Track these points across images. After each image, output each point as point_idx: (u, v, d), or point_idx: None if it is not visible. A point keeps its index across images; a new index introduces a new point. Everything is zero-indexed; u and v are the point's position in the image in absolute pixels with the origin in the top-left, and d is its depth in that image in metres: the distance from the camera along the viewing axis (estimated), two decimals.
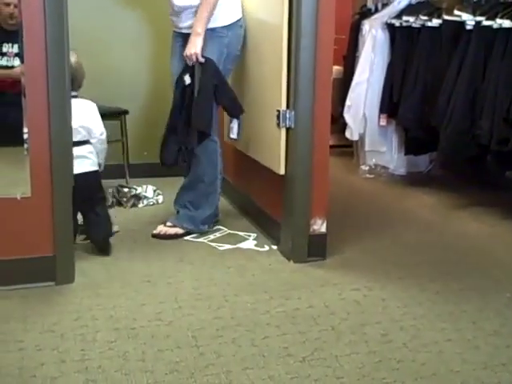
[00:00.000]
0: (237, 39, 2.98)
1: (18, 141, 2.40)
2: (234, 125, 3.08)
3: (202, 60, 2.85)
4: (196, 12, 2.86)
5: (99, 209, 2.81)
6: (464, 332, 2.15)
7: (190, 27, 2.89)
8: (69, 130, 2.40)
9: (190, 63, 2.88)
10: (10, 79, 2.94)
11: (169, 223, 3.08)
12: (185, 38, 2.94)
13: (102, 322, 2.16)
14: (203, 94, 2.87)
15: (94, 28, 3.72)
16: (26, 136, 2.36)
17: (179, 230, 3.04)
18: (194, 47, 2.83)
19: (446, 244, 3.06)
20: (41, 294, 2.36)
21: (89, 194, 2.75)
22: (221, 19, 2.90)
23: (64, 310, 2.24)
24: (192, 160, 3.02)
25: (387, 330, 2.15)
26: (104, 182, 3.73)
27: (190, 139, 2.93)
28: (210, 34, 2.88)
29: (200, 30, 2.84)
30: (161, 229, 3.06)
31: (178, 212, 3.11)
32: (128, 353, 1.96)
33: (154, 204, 3.56)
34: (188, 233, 3.06)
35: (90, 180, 2.76)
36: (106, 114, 3.48)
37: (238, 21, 2.97)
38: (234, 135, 3.10)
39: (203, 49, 2.84)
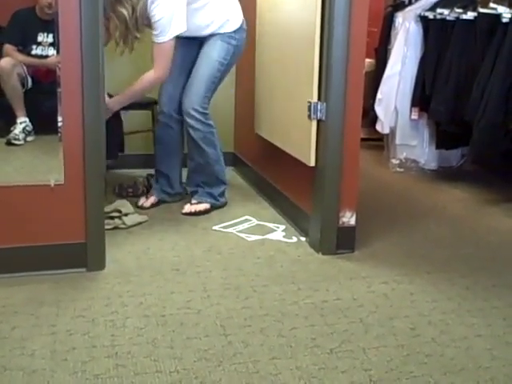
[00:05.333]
0: (243, 41, 3.23)
1: (52, 129, 2.44)
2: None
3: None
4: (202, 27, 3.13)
5: None
6: (494, 328, 2.13)
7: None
8: (102, 118, 2.43)
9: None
10: (44, 68, 2.98)
11: (194, 201, 3.27)
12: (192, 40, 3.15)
13: (131, 309, 2.18)
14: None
15: None
16: (59, 124, 2.40)
17: (207, 205, 3.26)
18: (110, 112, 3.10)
19: (477, 239, 3.03)
20: (72, 279, 2.40)
21: None
22: (230, 25, 3.16)
23: (95, 296, 2.27)
24: (190, 145, 3.25)
25: (415, 324, 2.14)
26: (134, 171, 3.81)
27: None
28: (221, 37, 3.15)
29: (117, 106, 3.16)
30: (189, 207, 3.24)
31: (194, 192, 3.31)
32: (157, 339, 1.98)
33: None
34: (214, 207, 3.28)
35: None
36: (136, 105, 3.52)
37: (242, 23, 3.19)
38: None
39: (214, 49, 3.14)
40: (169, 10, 2.92)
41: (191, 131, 3.18)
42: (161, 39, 2.96)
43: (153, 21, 2.94)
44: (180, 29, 2.97)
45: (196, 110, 3.14)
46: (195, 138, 3.18)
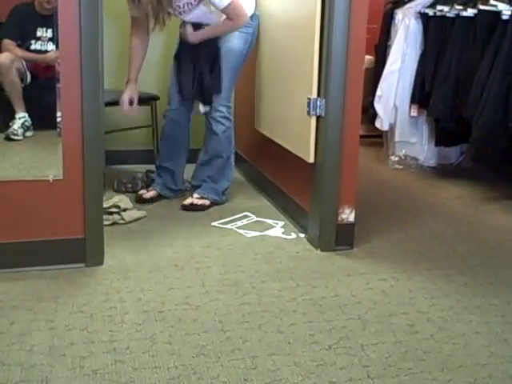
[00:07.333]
0: (257, 27, 3.24)
1: (51, 124, 2.43)
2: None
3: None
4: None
5: None
6: (492, 325, 2.14)
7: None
8: (101, 114, 2.43)
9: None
10: (43, 64, 2.97)
11: (196, 195, 3.27)
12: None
13: (130, 305, 2.19)
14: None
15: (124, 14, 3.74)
16: (58, 120, 2.39)
17: (206, 201, 3.26)
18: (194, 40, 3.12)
19: (475, 236, 3.03)
20: (71, 275, 2.40)
21: None
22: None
23: (93, 292, 2.27)
24: (208, 138, 3.25)
25: (414, 321, 2.14)
26: (133, 166, 3.81)
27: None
28: None
29: (197, 40, 3.10)
30: (190, 201, 3.25)
31: (197, 186, 3.32)
32: (155, 335, 1.98)
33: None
34: (214, 203, 3.27)
35: None
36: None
37: (255, 10, 3.20)
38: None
39: (232, 41, 3.14)
40: None
41: (214, 124, 3.20)
42: (224, 3, 2.95)
43: None
44: None
45: (224, 105, 3.19)
46: (217, 132, 3.21)
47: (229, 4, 2.97)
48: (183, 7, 3.04)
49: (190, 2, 3.02)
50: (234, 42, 3.15)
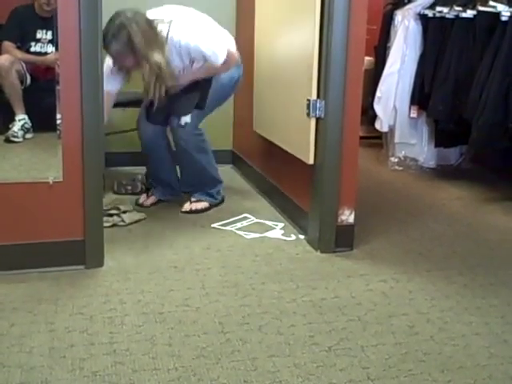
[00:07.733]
0: (241, 72, 3.23)
1: (51, 126, 2.44)
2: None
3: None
4: None
5: None
6: (492, 326, 2.14)
7: None
8: (101, 116, 2.43)
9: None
10: (43, 66, 2.97)
11: (193, 198, 3.27)
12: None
13: (130, 306, 2.19)
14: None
15: None
16: (58, 121, 2.40)
17: (205, 204, 3.26)
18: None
19: (475, 237, 3.03)
20: (71, 277, 2.40)
21: None
22: None
23: (93, 294, 2.27)
24: (182, 156, 3.21)
25: (414, 322, 2.14)
26: (132, 168, 3.81)
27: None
28: None
29: (186, 82, 3.06)
30: (189, 206, 3.24)
31: (193, 191, 3.30)
32: (155, 337, 1.98)
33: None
34: (213, 205, 3.29)
35: None
36: (132, 102, 3.50)
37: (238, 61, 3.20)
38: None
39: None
40: (204, 39, 2.96)
41: (183, 143, 3.15)
42: (219, 60, 2.99)
43: (202, 56, 2.98)
44: (224, 42, 3.03)
45: (192, 126, 3.14)
46: (187, 149, 3.17)
47: (224, 59, 3.00)
48: (179, 73, 3.04)
49: (185, 66, 3.04)
50: (223, 79, 3.13)
